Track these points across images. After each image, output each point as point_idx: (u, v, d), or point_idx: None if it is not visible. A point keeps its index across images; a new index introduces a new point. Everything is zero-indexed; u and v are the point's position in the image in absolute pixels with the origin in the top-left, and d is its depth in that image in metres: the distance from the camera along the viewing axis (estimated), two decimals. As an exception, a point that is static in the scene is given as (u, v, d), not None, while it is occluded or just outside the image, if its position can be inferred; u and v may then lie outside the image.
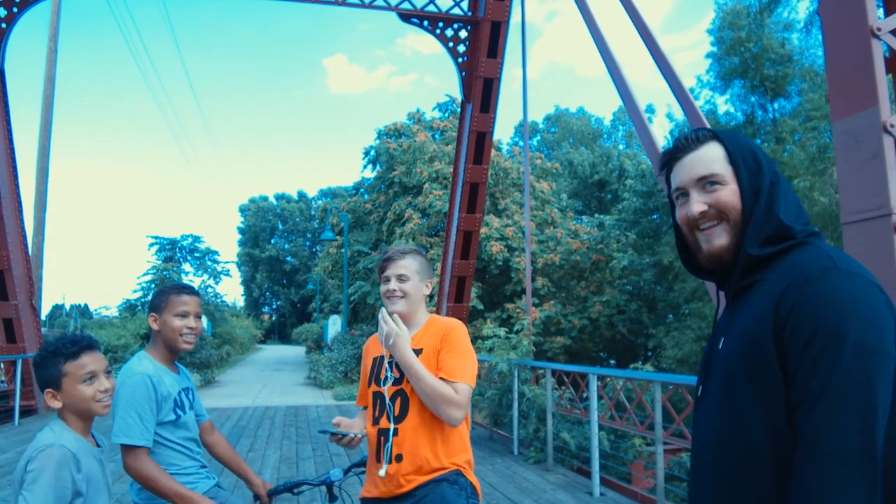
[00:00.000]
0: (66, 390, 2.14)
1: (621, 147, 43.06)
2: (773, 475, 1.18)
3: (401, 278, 2.58)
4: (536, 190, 26.62)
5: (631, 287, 25.29)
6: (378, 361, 2.60)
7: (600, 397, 7.45)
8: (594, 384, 7.06)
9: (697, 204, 1.37)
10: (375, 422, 2.51)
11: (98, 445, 2.28)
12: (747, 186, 1.33)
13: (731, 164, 1.36)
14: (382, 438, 2.47)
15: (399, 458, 2.43)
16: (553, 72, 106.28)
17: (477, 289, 22.75)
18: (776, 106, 20.76)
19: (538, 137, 47.87)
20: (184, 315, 2.78)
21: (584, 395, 8.20)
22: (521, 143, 40.02)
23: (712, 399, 1.31)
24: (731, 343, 1.29)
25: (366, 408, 2.69)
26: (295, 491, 2.85)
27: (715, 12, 20.75)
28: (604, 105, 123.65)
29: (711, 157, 1.37)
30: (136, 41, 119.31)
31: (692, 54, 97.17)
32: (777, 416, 1.18)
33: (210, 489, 2.79)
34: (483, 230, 22.85)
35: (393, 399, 2.50)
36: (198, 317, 2.84)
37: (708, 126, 6.85)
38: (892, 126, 4.05)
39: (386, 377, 2.54)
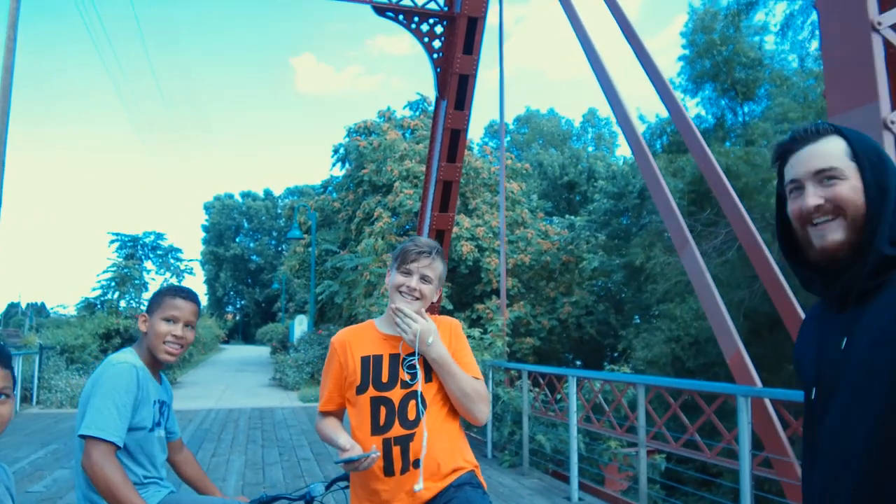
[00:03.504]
0: None
1: (591, 149, 43.30)
2: None
3: (425, 279, 2.36)
4: (507, 190, 26.54)
5: (600, 288, 25.36)
6: (374, 361, 2.33)
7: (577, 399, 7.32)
8: (573, 386, 6.91)
9: (813, 197, 1.33)
10: (380, 431, 2.25)
11: None
12: (871, 183, 1.29)
13: (854, 159, 1.32)
14: (398, 448, 2.21)
15: (417, 463, 2.20)
16: (522, 74, 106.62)
17: (447, 289, 22.56)
18: (746, 109, 21.01)
19: (508, 138, 47.87)
20: (172, 320, 2.55)
21: (558, 396, 8.07)
22: (492, 143, 40.04)
23: (848, 400, 1.27)
24: (867, 344, 1.24)
25: (329, 413, 2.44)
26: None
27: (688, 15, 20.96)
28: (573, 108, 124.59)
29: (831, 151, 1.34)
30: (99, 33, 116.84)
31: (659, 58, 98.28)
32: None
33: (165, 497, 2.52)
34: (454, 230, 22.67)
35: (404, 402, 2.26)
36: (189, 326, 2.58)
37: (692, 124, 6.74)
38: (892, 122, 3.93)
39: (392, 380, 2.29)
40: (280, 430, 11.24)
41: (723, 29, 19.47)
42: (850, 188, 1.30)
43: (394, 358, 2.33)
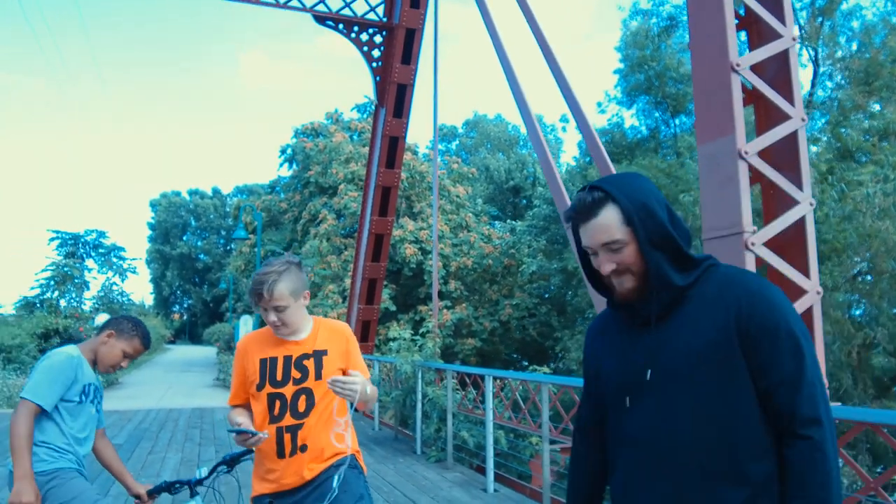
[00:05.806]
0: None
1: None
2: (748, 443, 1.50)
3: (278, 309, 2.67)
4: (452, 194, 27.00)
5: (541, 291, 25.95)
6: (270, 362, 2.75)
7: (499, 398, 7.76)
8: (490, 385, 7.36)
9: (607, 264, 1.61)
10: (275, 419, 2.67)
11: None
12: (644, 240, 1.56)
13: (628, 223, 1.57)
14: (288, 435, 2.64)
15: (304, 448, 2.64)
16: (472, 78, 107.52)
17: (390, 290, 22.91)
18: (677, 122, 21.88)
19: (456, 142, 48.35)
20: (129, 356, 3.17)
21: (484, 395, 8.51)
22: (440, 147, 40.39)
23: (663, 398, 1.57)
24: (682, 351, 1.56)
25: (238, 406, 2.86)
26: (172, 490, 3.03)
27: (621, 31, 21.78)
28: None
29: (610, 224, 1.59)
30: (39, 23, 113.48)
31: (608, 65, 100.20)
32: (746, 397, 1.50)
33: (69, 468, 2.94)
34: (398, 233, 23.05)
35: (296, 397, 2.68)
36: (130, 361, 3.24)
37: (600, 145, 7.29)
38: (746, 153, 4.51)
39: (285, 378, 2.70)
40: (219, 429, 11.41)
41: (653, 45, 20.28)
42: (631, 252, 1.58)
43: (287, 359, 2.77)
